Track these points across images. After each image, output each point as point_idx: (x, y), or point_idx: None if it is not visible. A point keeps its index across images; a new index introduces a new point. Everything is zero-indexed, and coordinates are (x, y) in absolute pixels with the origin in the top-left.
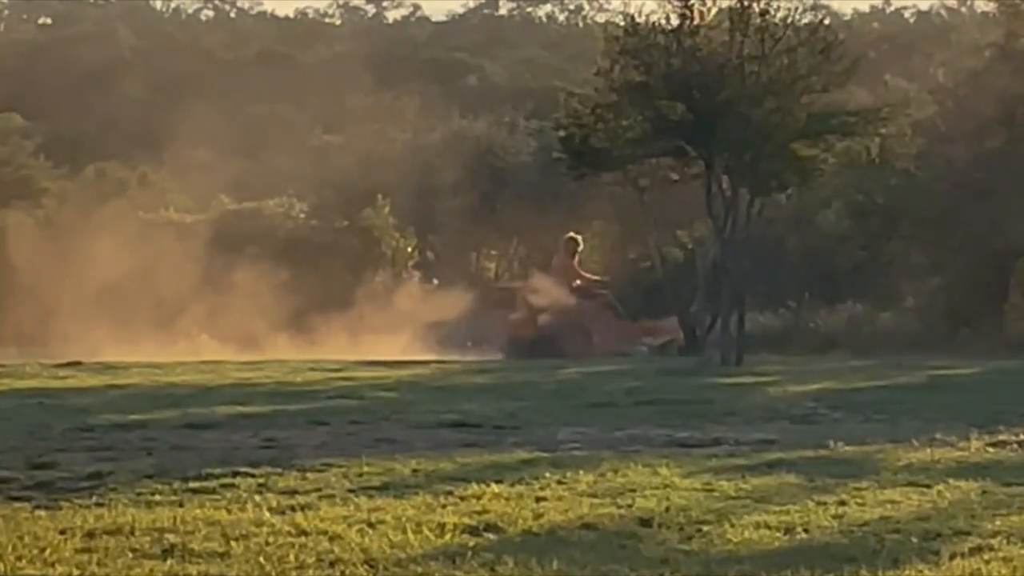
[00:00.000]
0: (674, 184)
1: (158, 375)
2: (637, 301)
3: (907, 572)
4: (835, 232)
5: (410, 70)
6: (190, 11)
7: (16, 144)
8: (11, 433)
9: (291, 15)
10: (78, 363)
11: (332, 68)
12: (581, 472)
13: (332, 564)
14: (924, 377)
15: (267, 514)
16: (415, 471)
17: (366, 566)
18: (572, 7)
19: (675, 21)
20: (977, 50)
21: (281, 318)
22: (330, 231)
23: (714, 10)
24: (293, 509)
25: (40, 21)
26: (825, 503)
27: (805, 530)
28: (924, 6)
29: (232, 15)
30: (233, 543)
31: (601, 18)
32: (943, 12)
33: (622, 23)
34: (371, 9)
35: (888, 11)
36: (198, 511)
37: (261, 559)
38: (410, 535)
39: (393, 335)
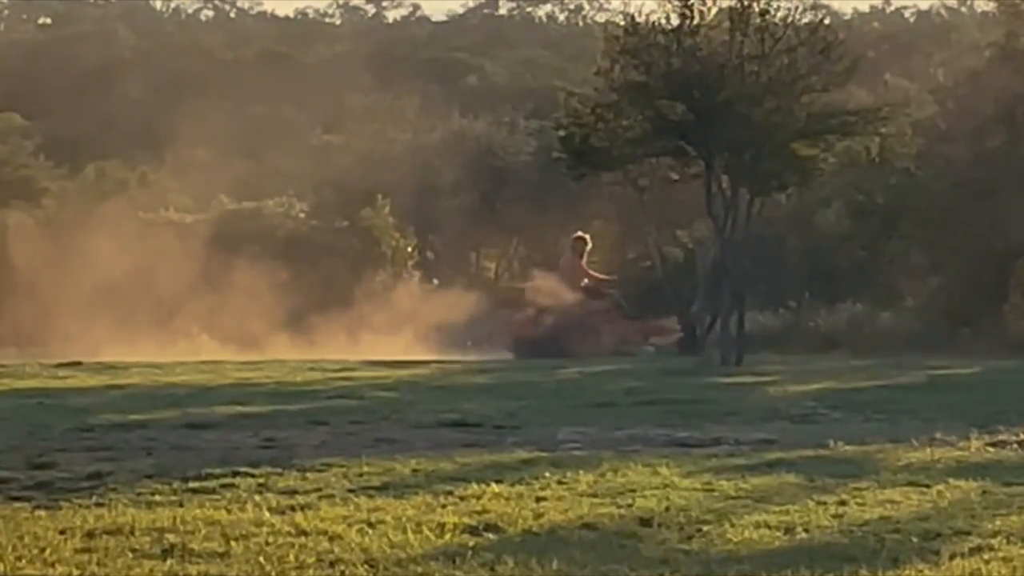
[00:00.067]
0: (674, 184)
1: (158, 375)
2: (637, 301)
3: (907, 572)
4: (835, 232)
5: (410, 70)
6: (190, 11)
7: (16, 144)
8: (11, 433)
9: (291, 15)
10: (78, 363)
11: (332, 68)
12: (581, 472)
13: (332, 564)
14: (924, 377)
15: (267, 514)
16: (415, 471)
17: (366, 566)
18: (572, 7)
19: (675, 21)
20: (977, 50)
21: (281, 318)
22: (330, 231)
23: (714, 10)
24: (293, 509)
25: (40, 21)
26: (825, 503)
27: (805, 530)
28: (924, 6)
29: (232, 15)
30: (233, 543)
31: (601, 18)
32: (943, 12)
33: (622, 23)
34: (371, 9)
35: (888, 11)
36: (198, 511)
37: (261, 559)
38: (410, 535)
39: (393, 335)
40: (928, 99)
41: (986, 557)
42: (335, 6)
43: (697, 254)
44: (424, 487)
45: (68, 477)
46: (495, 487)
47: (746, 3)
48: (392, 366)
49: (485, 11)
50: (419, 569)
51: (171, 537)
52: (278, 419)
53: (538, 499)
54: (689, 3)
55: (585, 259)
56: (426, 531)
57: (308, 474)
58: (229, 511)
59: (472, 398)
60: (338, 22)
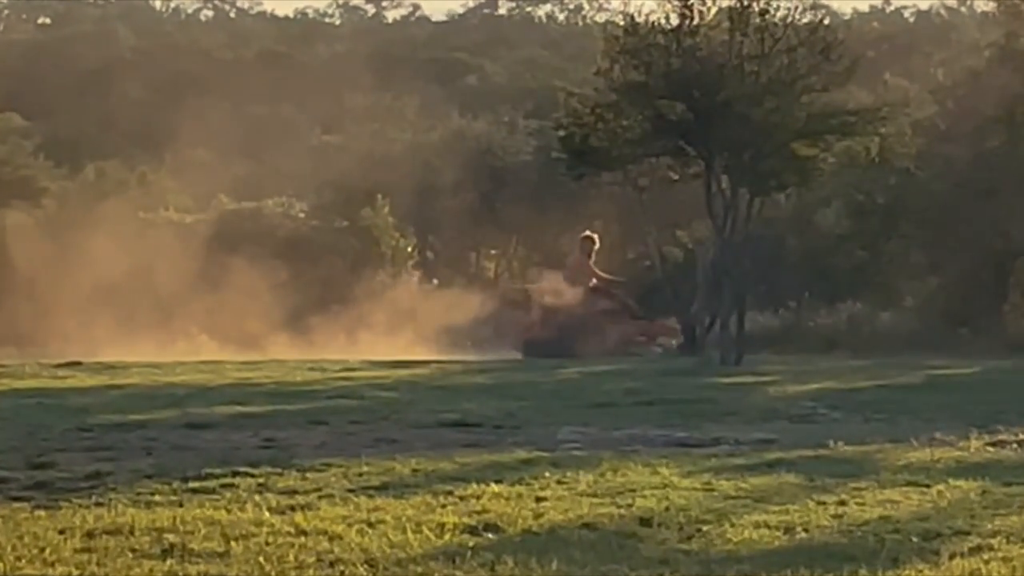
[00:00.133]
0: (674, 184)
1: (157, 375)
2: (637, 301)
3: (907, 572)
4: (835, 232)
5: (410, 70)
6: (190, 11)
7: (15, 144)
8: (11, 433)
9: (291, 15)
10: (77, 363)
11: (332, 68)
12: (581, 472)
13: (332, 564)
14: (924, 377)
15: (267, 514)
16: (415, 471)
17: (366, 566)
18: (572, 7)
19: (675, 21)
20: (977, 50)
21: (280, 318)
22: (330, 231)
23: (714, 10)
24: (293, 509)
25: (39, 21)
26: (825, 503)
27: (805, 530)
28: (924, 6)
29: (232, 15)
30: (233, 543)
31: (601, 18)
32: (943, 12)
33: (622, 23)
34: (371, 9)
35: (888, 11)
36: (198, 511)
37: (261, 559)
38: (410, 535)
39: (393, 335)
40: (928, 99)
41: (986, 557)
42: (335, 6)
43: (697, 254)
44: (424, 487)
45: (68, 477)
46: (495, 487)
47: (746, 3)
48: (392, 366)
49: (485, 11)
50: (419, 569)
51: (171, 537)
52: (278, 419)
53: (538, 499)
54: (689, 3)
55: (593, 259)
56: (426, 531)
57: (308, 474)
58: (229, 511)
59: (472, 398)
60: (338, 22)
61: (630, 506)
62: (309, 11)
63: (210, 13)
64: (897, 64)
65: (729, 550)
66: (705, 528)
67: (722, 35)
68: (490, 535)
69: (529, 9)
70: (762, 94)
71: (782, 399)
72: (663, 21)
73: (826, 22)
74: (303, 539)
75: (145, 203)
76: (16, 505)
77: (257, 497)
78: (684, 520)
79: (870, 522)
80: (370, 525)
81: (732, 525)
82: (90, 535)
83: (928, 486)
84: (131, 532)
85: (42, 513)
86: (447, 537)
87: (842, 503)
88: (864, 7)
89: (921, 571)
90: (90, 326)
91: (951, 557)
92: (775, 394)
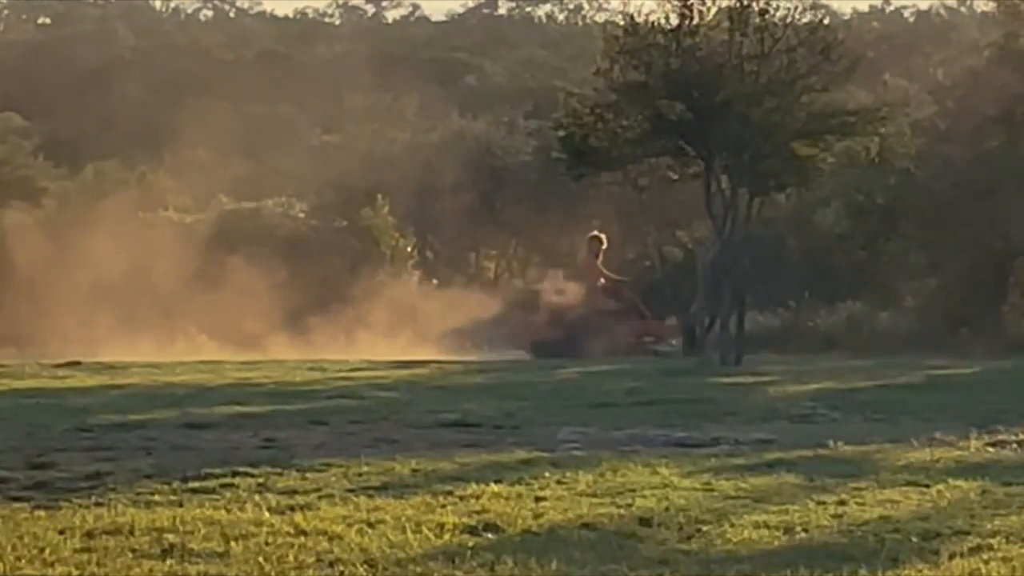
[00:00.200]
0: (673, 184)
1: (157, 375)
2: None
3: (907, 572)
4: (834, 232)
5: (410, 70)
6: (189, 11)
7: (15, 144)
8: (10, 433)
9: (291, 15)
10: (77, 363)
11: (332, 68)
12: (581, 472)
13: (332, 564)
14: (923, 377)
15: (267, 514)
16: (415, 471)
17: (366, 566)
18: (572, 7)
19: (674, 21)
20: (977, 50)
21: (280, 318)
22: (330, 231)
23: (713, 10)
24: (293, 509)
25: (39, 21)
26: (825, 503)
27: (805, 530)
28: (924, 6)
29: (232, 15)
30: (233, 543)
31: (601, 18)
32: (943, 12)
33: (621, 23)
34: (371, 9)
35: (888, 11)
36: (197, 511)
37: (261, 559)
38: (410, 535)
39: (393, 335)
40: (927, 99)
41: (985, 557)
42: (335, 6)
43: (697, 254)
44: (424, 487)
45: (67, 477)
46: (495, 487)
47: (745, 3)
48: (392, 366)
49: (485, 11)
50: (419, 569)
51: (171, 537)
52: (278, 419)
53: (538, 499)
54: (689, 3)
55: (600, 259)
56: (426, 531)
57: (308, 474)
58: (229, 511)
59: (472, 398)
60: (338, 22)
61: (630, 506)
62: (309, 11)
63: (210, 13)
64: (897, 64)
65: (729, 550)
66: (705, 528)
67: (722, 35)
68: (490, 535)
69: (529, 9)
70: (762, 94)
71: (782, 399)
72: (663, 21)
73: (826, 22)
74: (303, 539)
75: (145, 203)
76: (16, 505)
77: (257, 497)
78: (684, 520)
79: (870, 522)
80: (370, 525)
81: (732, 525)
82: (90, 535)
83: (928, 486)
84: (131, 532)
85: (42, 513)
86: (447, 537)
87: (842, 503)
88: (864, 7)
89: (921, 571)
90: (90, 326)
91: (951, 557)
92: (775, 394)
